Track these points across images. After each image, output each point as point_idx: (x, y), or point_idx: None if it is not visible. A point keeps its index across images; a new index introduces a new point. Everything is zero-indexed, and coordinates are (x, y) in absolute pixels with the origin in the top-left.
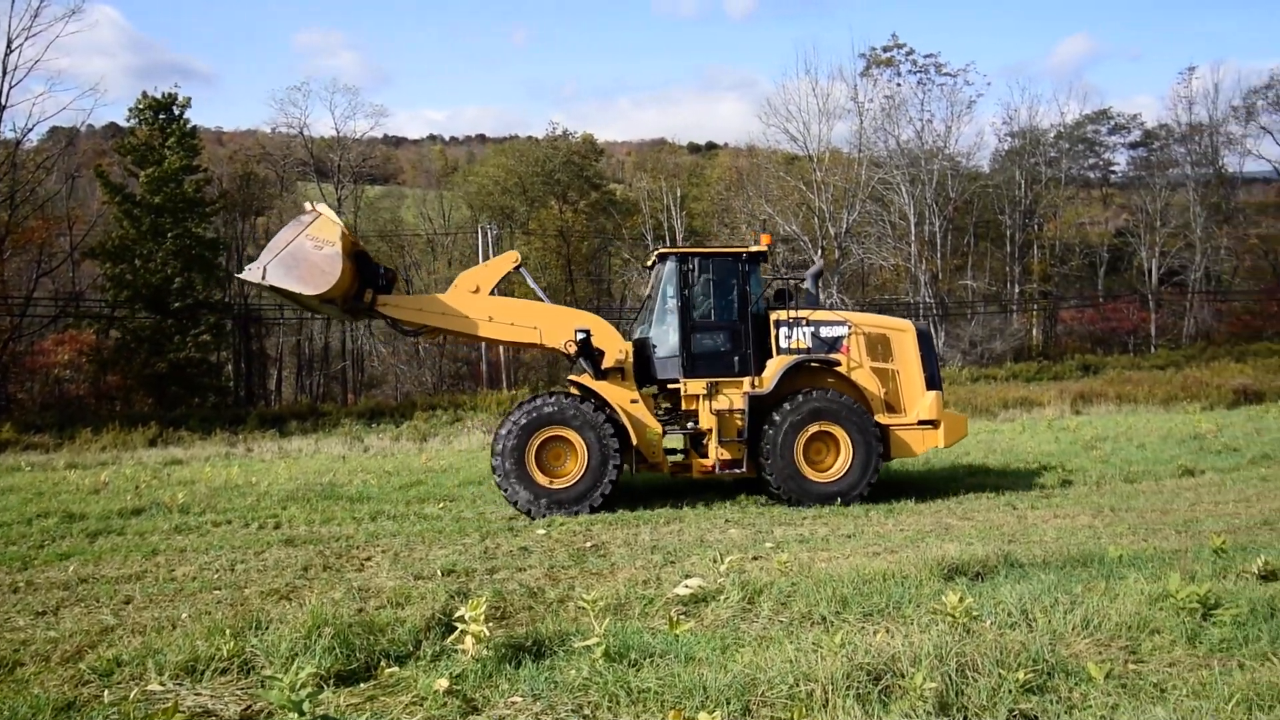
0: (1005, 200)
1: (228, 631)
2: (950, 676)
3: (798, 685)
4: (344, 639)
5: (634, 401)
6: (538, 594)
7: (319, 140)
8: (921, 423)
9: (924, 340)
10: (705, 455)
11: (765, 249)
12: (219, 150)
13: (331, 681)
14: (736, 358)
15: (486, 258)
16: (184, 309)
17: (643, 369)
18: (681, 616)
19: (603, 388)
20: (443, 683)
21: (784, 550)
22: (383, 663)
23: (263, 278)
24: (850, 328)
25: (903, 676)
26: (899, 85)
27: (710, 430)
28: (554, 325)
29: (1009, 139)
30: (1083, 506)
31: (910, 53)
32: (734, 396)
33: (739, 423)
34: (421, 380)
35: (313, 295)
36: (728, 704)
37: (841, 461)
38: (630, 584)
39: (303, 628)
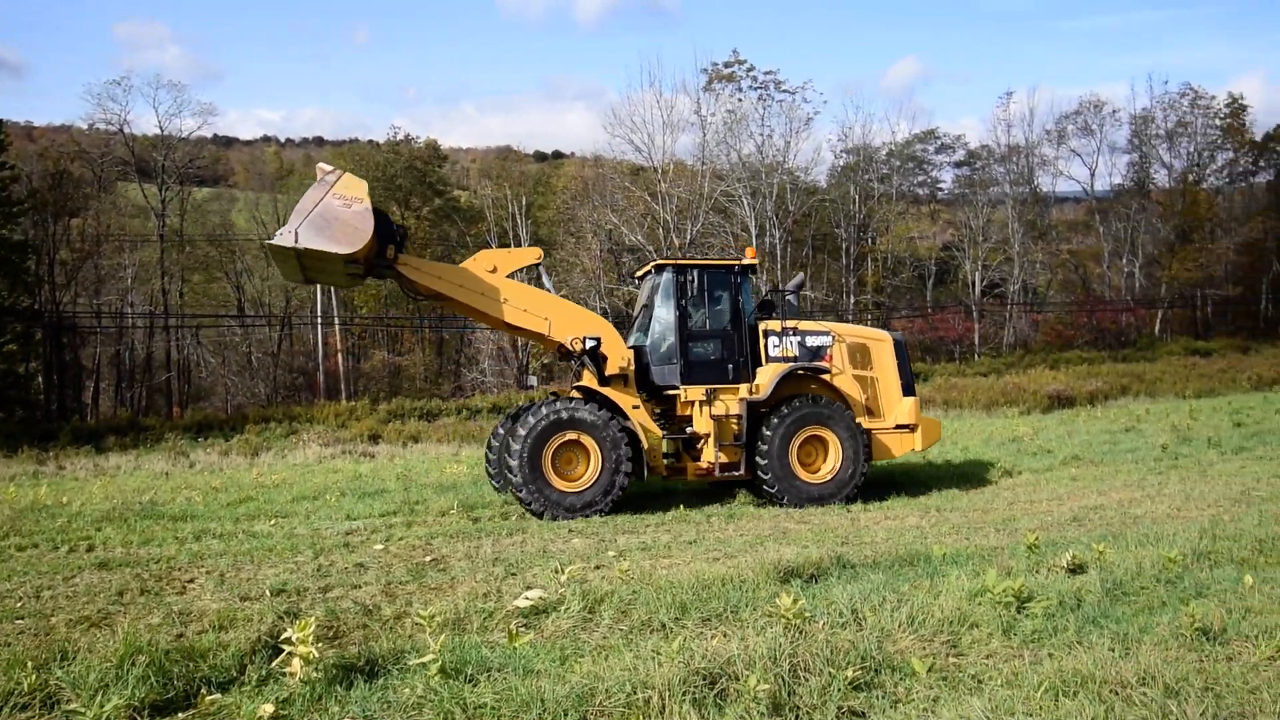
0: (841, 214)
1: (29, 664)
2: (783, 677)
3: (635, 693)
4: (160, 667)
5: (635, 408)
6: (373, 612)
7: (141, 138)
8: (899, 427)
9: (900, 349)
10: (698, 459)
11: (754, 262)
12: (28, 146)
13: (146, 712)
14: (731, 365)
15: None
16: None
17: (639, 376)
18: (521, 629)
19: (611, 394)
20: (268, 708)
21: (626, 558)
22: (203, 690)
23: (295, 241)
24: (833, 337)
25: (737, 679)
26: (740, 100)
27: (706, 435)
28: (564, 320)
29: (844, 155)
30: (911, 508)
31: (751, 69)
32: (730, 402)
33: (735, 427)
34: (254, 391)
35: (346, 254)
36: (565, 715)
37: (831, 464)
38: (470, 598)
39: (114, 656)
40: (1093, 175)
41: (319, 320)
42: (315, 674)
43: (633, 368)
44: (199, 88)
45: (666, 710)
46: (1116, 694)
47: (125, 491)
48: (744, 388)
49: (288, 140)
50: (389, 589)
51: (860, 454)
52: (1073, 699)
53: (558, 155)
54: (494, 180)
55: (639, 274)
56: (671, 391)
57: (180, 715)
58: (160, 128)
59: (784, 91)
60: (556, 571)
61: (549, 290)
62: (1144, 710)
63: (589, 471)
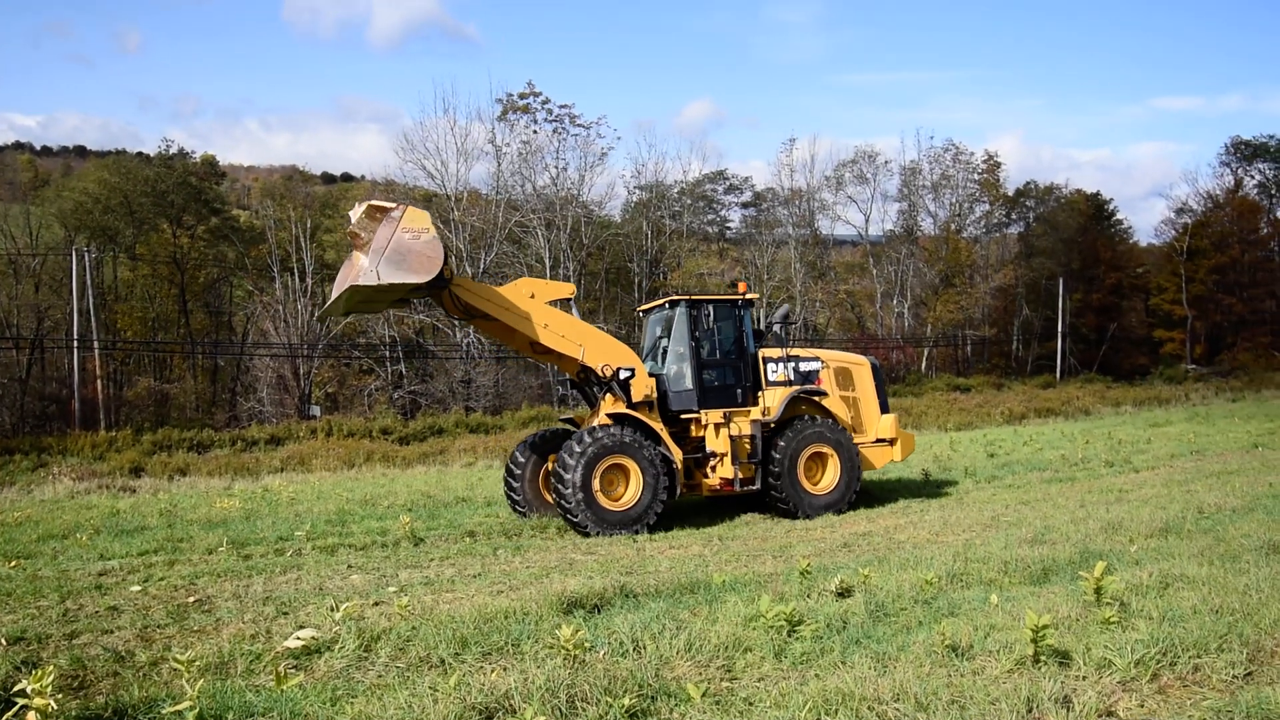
0: (634, 249)
1: None
2: (560, 708)
3: None
4: None
5: (663, 431)
6: (126, 658)
7: None
8: (879, 441)
9: (876, 372)
10: (709, 476)
11: (754, 296)
12: None
13: None
14: (740, 390)
15: (83, 283)
16: None
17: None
18: (291, 670)
19: (646, 419)
20: None
21: (407, 594)
22: None
23: (379, 279)
24: (823, 363)
25: (514, 713)
26: (535, 132)
27: (722, 454)
28: (598, 348)
29: (638, 191)
30: (695, 538)
31: (546, 101)
32: (743, 424)
33: (748, 446)
34: None
35: (426, 281)
36: None
37: (831, 476)
38: (236, 639)
39: None
40: (867, 221)
41: (76, 343)
42: None
43: (655, 395)
44: None
45: None
46: (873, 710)
47: None
48: (754, 410)
49: (44, 148)
50: (145, 633)
51: (855, 466)
52: (834, 717)
53: (348, 178)
54: (277, 201)
55: (645, 309)
56: (688, 415)
57: None
58: None
59: (579, 125)
60: (332, 609)
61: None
62: None
63: (630, 491)
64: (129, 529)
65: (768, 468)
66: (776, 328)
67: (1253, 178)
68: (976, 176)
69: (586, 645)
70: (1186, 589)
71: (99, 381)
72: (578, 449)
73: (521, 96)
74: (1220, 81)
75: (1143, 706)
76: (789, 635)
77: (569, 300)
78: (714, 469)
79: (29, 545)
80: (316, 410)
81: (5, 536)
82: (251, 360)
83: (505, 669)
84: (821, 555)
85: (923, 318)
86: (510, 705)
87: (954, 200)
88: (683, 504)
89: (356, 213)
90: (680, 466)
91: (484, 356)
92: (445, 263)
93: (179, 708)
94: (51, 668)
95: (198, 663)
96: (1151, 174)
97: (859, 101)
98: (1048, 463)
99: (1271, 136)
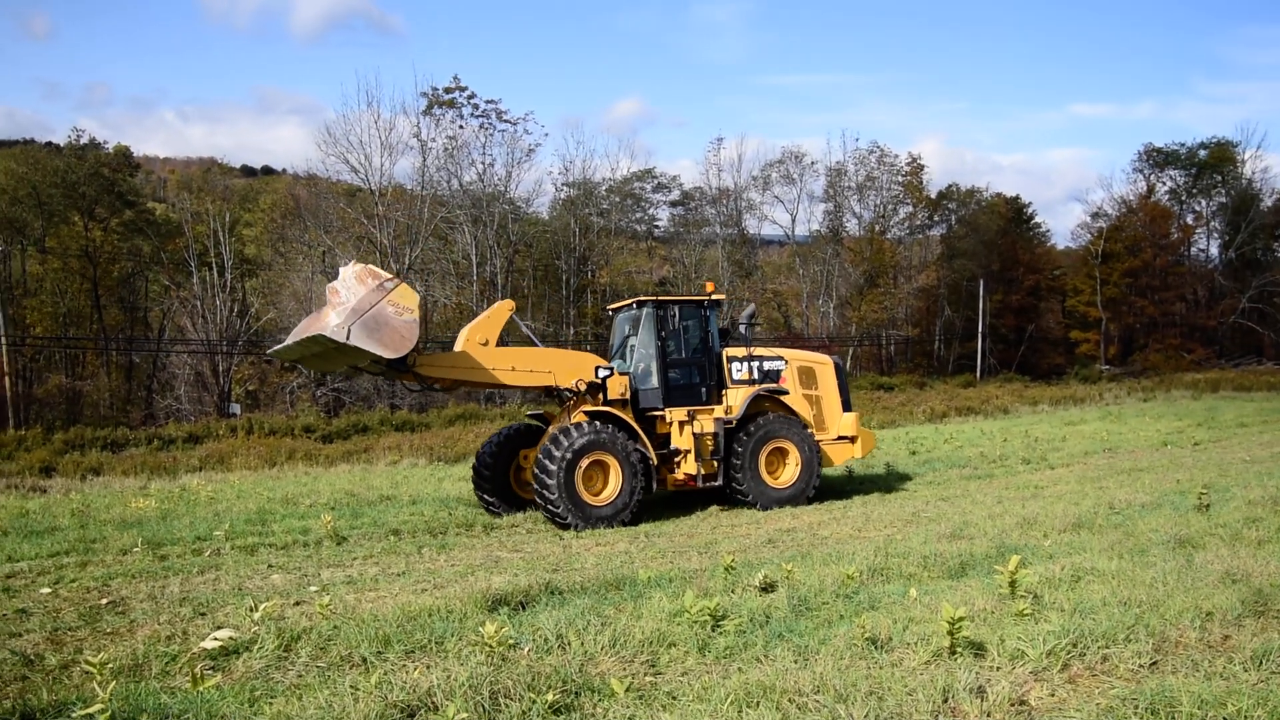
0: (562, 246)
1: None
2: (483, 705)
3: None
4: None
5: (638, 428)
6: (35, 661)
7: None
8: (841, 438)
9: (839, 371)
10: (674, 471)
11: (721, 296)
12: None
13: None
14: (704, 389)
15: None
16: None
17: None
18: (208, 671)
19: (625, 417)
20: None
21: (328, 593)
22: None
23: (347, 337)
24: (786, 362)
25: (436, 710)
26: (461, 127)
27: (685, 451)
28: (565, 368)
29: (565, 189)
30: (621, 534)
31: (472, 96)
32: (706, 422)
33: (711, 444)
34: None
35: (390, 358)
36: None
37: (791, 471)
38: (151, 641)
39: None
40: (794, 221)
41: None
42: None
43: (629, 393)
44: None
45: None
46: (793, 702)
47: None
48: (718, 408)
49: None
50: (55, 636)
51: (815, 462)
52: (755, 709)
53: (268, 171)
54: (195, 194)
55: (614, 308)
56: (654, 413)
57: None
58: None
59: (506, 121)
60: (251, 609)
61: (530, 333)
62: (817, 715)
63: (610, 487)
64: (39, 530)
65: (730, 463)
66: (742, 327)
67: (1164, 184)
68: (900, 179)
69: (510, 642)
70: (1097, 582)
71: (7, 379)
72: (562, 445)
73: (447, 91)
74: (1134, 90)
75: (1053, 695)
76: (713, 630)
77: (512, 314)
78: (678, 465)
79: None
80: (236, 408)
81: None
82: (168, 357)
83: (428, 667)
84: (746, 551)
85: (848, 317)
86: (432, 703)
87: (878, 202)
88: (669, 497)
89: (349, 270)
90: (655, 462)
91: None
92: (414, 348)
93: (90, 710)
94: None
95: (110, 665)
96: (1068, 178)
97: (785, 102)
98: (967, 460)
99: (1182, 144)
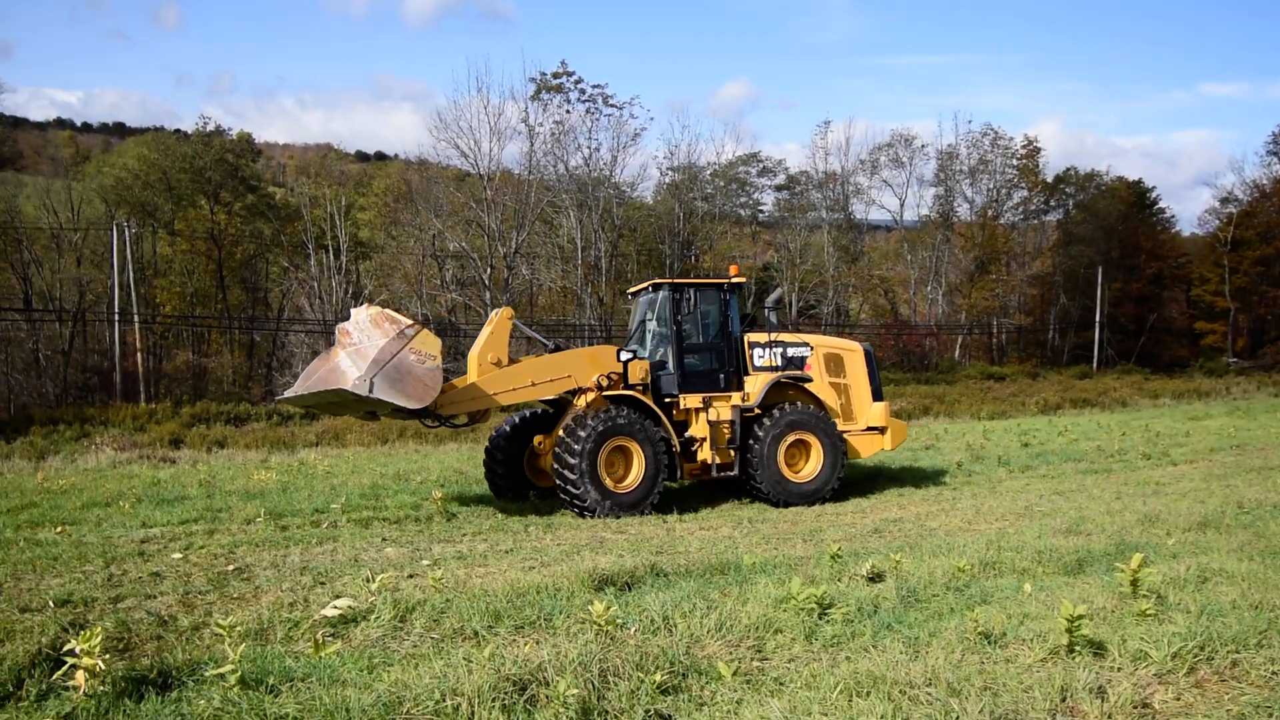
0: (666, 231)
1: None
2: (593, 683)
3: (444, 700)
4: None
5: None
6: (169, 622)
7: None
8: (870, 429)
9: (869, 359)
10: (691, 460)
11: (744, 280)
12: None
13: None
14: (722, 375)
15: (124, 258)
16: None
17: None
18: (329, 638)
19: (649, 402)
20: None
21: (440, 567)
22: None
23: (369, 391)
24: (811, 348)
25: (547, 685)
26: (568, 112)
27: (702, 439)
28: (583, 367)
29: (670, 173)
30: (725, 519)
31: (579, 81)
32: (724, 409)
33: (728, 432)
34: (42, 391)
35: (414, 409)
36: None
37: (814, 464)
38: (275, 607)
39: None
40: (902, 205)
41: (116, 317)
42: (102, 687)
43: (650, 378)
44: None
45: (475, 716)
46: (904, 693)
47: None
48: (736, 396)
49: (85, 125)
50: (187, 599)
51: (839, 455)
52: (865, 699)
53: (381, 156)
54: (312, 178)
55: (632, 290)
56: (669, 399)
57: None
58: None
59: (612, 106)
60: (367, 580)
61: (535, 336)
62: (929, 708)
63: (633, 473)
64: (169, 498)
65: (746, 454)
66: (769, 311)
67: None
68: (1015, 162)
69: (618, 621)
70: (1225, 584)
71: (139, 355)
72: (585, 429)
73: (555, 76)
74: (1269, 67)
75: (1179, 699)
76: (819, 618)
77: (513, 320)
78: (693, 454)
79: (74, 512)
80: None
81: (51, 503)
82: (287, 336)
83: (538, 642)
84: (852, 540)
85: (957, 305)
86: (543, 677)
87: (991, 186)
88: (687, 488)
89: (362, 312)
90: (678, 449)
91: (516, 337)
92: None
93: (222, 670)
94: (99, 629)
95: (238, 628)
96: (1196, 162)
97: (896, 84)
98: (1083, 454)
99: None
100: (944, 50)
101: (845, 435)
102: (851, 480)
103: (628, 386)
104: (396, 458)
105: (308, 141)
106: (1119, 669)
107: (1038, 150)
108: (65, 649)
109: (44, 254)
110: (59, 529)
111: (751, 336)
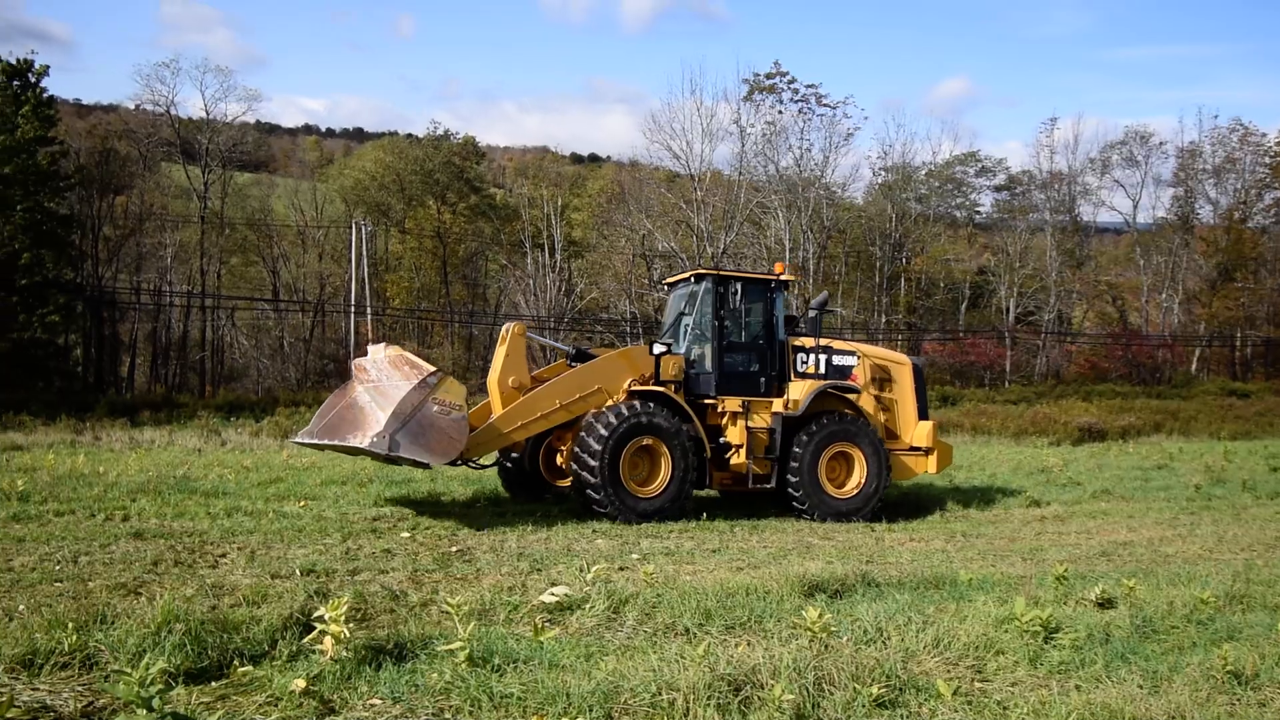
0: (876, 232)
1: (70, 625)
2: (808, 689)
3: (660, 694)
4: (195, 636)
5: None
6: (400, 597)
7: (187, 121)
8: (914, 449)
9: (918, 374)
10: (723, 468)
11: (792, 278)
12: (77, 123)
13: (181, 679)
14: (764, 379)
15: (360, 254)
16: (31, 287)
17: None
18: (547, 624)
19: (678, 399)
20: (299, 683)
21: (650, 562)
22: (236, 661)
23: (391, 449)
24: (858, 358)
25: (762, 688)
26: (780, 112)
27: (736, 446)
28: (611, 376)
29: (883, 173)
30: (937, 531)
31: (792, 81)
32: (764, 415)
33: (766, 440)
34: (285, 375)
35: (438, 464)
36: (590, 711)
37: (856, 480)
38: (496, 590)
39: (152, 623)
40: (1135, 207)
41: (351, 309)
42: (345, 653)
43: (683, 375)
44: (244, 73)
45: (691, 713)
46: None
47: (159, 465)
48: (776, 401)
49: (328, 130)
50: (415, 576)
51: (884, 472)
52: None
53: (594, 158)
54: (530, 180)
55: (671, 280)
56: (705, 400)
57: (214, 684)
58: (206, 111)
59: (825, 105)
60: (581, 570)
61: (553, 345)
62: None
63: (659, 477)
64: (397, 480)
65: (786, 465)
66: (812, 313)
67: None
68: (1267, 160)
69: (832, 629)
70: None
71: (370, 344)
72: (607, 425)
73: (768, 76)
74: None
75: None
76: (1045, 642)
77: (526, 334)
78: (725, 460)
79: (314, 488)
80: None
81: (295, 479)
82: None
83: (750, 644)
84: (1077, 562)
85: (1195, 314)
86: (758, 680)
87: (1239, 186)
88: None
89: (379, 350)
90: (710, 454)
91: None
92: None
93: (451, 646)
94: (343, 600)
95: (465, 607)
96: None
97: (1129, 78)
98: None
99: None
100: (1183, 40)
101: (892, 453)
102: (1066, 499)
103: (659, 383)
104: None
105: (526, 144)
106: None
107: None
108: (314, 615)
109: (291, 249)
110: (302, 503)
111: (796, 340)
